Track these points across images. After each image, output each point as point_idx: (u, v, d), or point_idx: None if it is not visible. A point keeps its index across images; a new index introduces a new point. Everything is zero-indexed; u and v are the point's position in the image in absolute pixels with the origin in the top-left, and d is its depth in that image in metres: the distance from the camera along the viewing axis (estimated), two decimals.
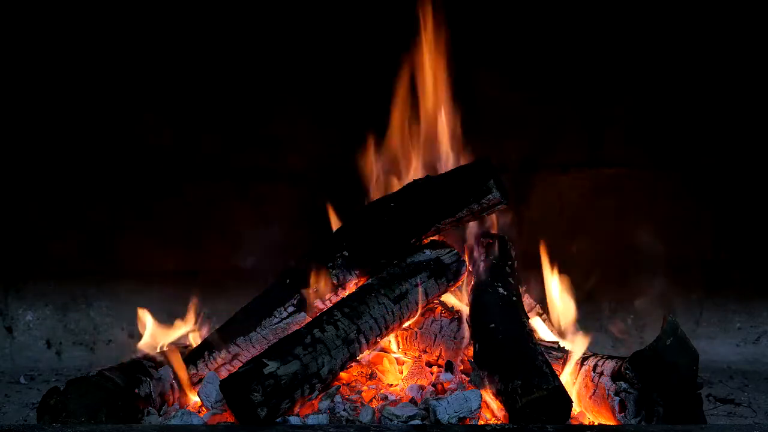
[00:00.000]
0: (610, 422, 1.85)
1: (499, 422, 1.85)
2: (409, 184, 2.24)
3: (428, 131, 2.41)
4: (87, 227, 2.97)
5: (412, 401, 1.93)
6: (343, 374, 2.03)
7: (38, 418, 1.82)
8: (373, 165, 2.43)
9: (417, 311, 2.12)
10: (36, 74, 2.90)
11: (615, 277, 2.90)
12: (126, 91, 2.91)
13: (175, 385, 2.07)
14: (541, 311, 2.37)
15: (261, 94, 2.94)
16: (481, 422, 1.84)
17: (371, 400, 1.97)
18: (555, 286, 2.28)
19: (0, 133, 2.92)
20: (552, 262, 2.31)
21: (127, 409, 1.88)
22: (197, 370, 2.12)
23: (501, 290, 2.12)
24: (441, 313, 2.20)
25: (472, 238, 2.35)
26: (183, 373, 2.08)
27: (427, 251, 2.15)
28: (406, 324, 2.15)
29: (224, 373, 2.04)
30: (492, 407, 1.89)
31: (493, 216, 2.30)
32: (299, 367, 1.82)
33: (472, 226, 2.34)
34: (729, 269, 3.04)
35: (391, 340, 2.22)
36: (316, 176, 2.95)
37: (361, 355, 2.03)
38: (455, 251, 2.18)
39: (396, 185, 2.33)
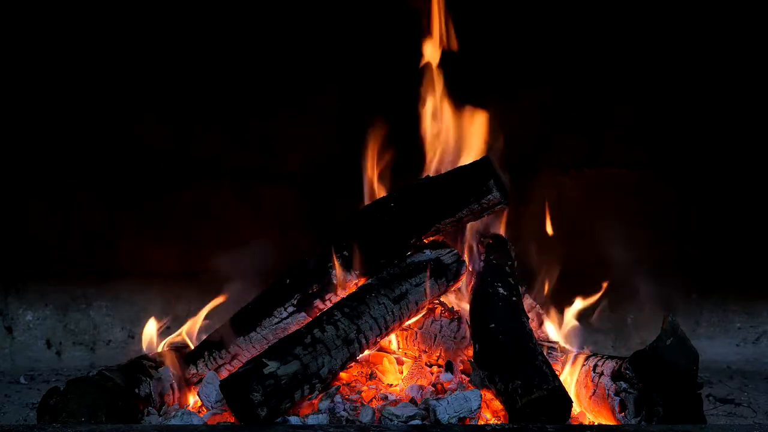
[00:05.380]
0: (610, 422, 1.85)
1: (499, 422, 1.85)
2: (409, 184, 2.23)
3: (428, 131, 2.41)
4: (87, 227, 2.97)
5: (412, 401, 1.93)
6: (343, 374, 2.03)
7: (38, 418, 1.82)
8: (373, 165, 2.43)
9: (417, 311, 2.12)
10: (37, 75, 2.89)
11: (615, 276, 2.90)
12: (126, 92, 2.91)
13: (175, 385, 2.07)
14: (541, 311, 2.37)
15: (261, 95, 2.94)
16: (481, 422, 1.84)
17: (371, 400, 1.97)
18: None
19: (0, 134, 2.92)
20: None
21: (127, 409, 1.88)
22: (197, 370, 2.12)
23: (501, 290, 2.12)
24: (441, 313, 2.20)
25: (472, 238, 2.35)
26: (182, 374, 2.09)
27: (427, 251, 2.15)
28: (406, 324, 2.15)
29: (224, 373, 2.04)
30: (492, 407, 1.89)
31: (493, 216, 2.30)
32: (299, 367, 1.82)
33: (472, 226, 2.34)
34: (729, 269, 3.04)
35: (391, 340, 2.22)
36: (316, 176, 2.95)
37: (361, 355, 2.02)
38: (455, 251, 2.18)
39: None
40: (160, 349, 2.17)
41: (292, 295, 2.14)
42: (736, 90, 2.95)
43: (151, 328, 2.21)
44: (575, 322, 2.22)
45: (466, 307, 2.18)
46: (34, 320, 3.00)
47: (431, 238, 2.21)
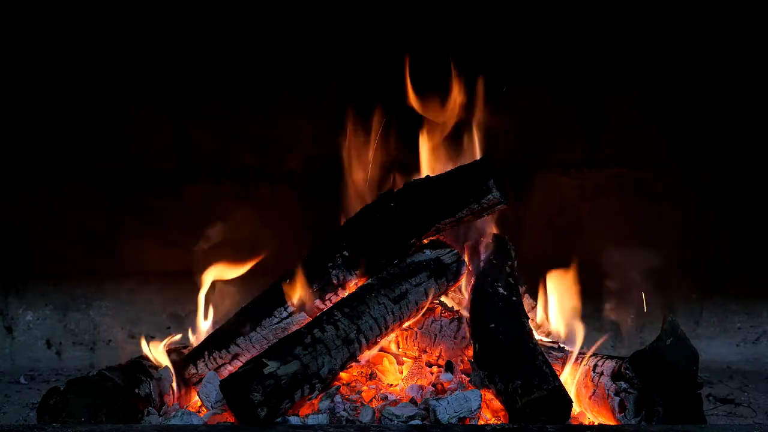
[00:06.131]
0: (610, 422, 1.85)
1: (499, 422, 1.85)
2: (409, 184, 2.24)
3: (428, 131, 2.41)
4: (87, 227, 2.96)
5: (412, 401, 1.93)
6: (343, 374, 2.03)
7: (38, 418, 1.82)
8: (373, 165, 2.44)
9: (417, 311, 2.12)
10: (35, 74, 2.89)
11: (615, 276, 2.90)
12: (125, 91, 2.91)
13: (175, 385, 2.07)
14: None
15: (261, 94, 2.94)
16: (481, 422, 1.84)
17: (371, 400, 1.97)
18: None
19: (0, 134, 2.92)
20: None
21: (127, 409, 1.88)
22: (197, 370, 2.12)
23: (501, 290, 2.12)
24: (441, 313, 2.20)
25: (472, 238, 2.35)
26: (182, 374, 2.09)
27: (427, 251, 2.15)
28: (406, 324, 2.15)
29: (224, 373, 2.04)
30: (492, 407, 1.89)
31: (493, 216, 2.30)
32: (299, 367, 1.82)
33: (472, 226, 2.34)
34: (729, 269, 3.04)
35: (391, 340, 2.22)
36: (316, 176, 2.94)
37: (361, 355, 2.03)
38: (455, 251, 2.18)
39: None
40: (160, 350, 2.17)
41: None
42: (736, 90, 2.95)
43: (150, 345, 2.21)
44: (575, 322, 2.21)
45: (466, 307, 2.18)
46: (34, 320, 3.00)
47: (431, 238, 2.21)
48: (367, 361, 2.14)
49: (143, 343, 2.17)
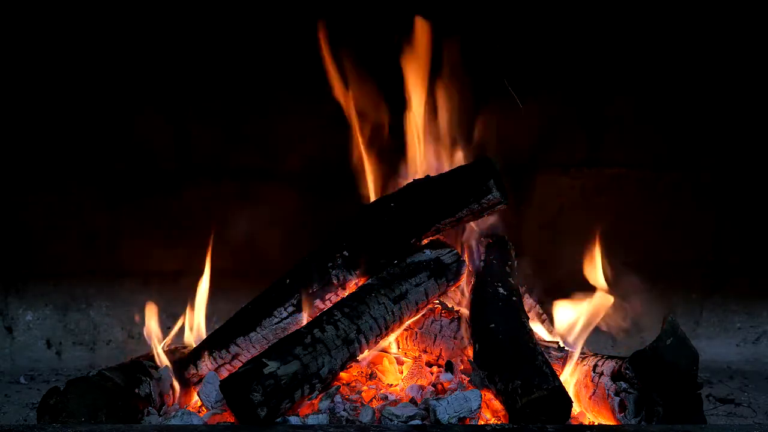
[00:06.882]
0: (610, 422, 1.86)
1: (499, 422, 1.85)
2: (409, 184, 2.24)
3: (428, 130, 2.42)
4: (87, 227, 2.96)
5: (412, 401, 1.93)
6: (343, 374, 2.03)
7: (38, 418, 1.82)
8: (373, 165, 2.44)
9: (417, 311, 2.12)
10: (35, 74, 2.89)
11: (615, 276, 2.90)
12: (125, 91, 2.91)
13: (175, 385, 2.07)
14: (541, 311, 2.38)
15: (261, 94, 2.94)
16: (481, 422, 1.84)
17: (371, 400, 1.97)
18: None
19: (1, 134, 2.93)
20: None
21: (127, 409, 1.88)
22: (197, 370, 2.12)
23: (501, 290, 2.12)
24: (441, 313, 2.20)
25: (472, 238, 2.35)
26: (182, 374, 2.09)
27: (427, 251, 2.15)
28: (407, 324, 2.15)
29: (224, 373, 2.04)
30: (492, 407, 1.89)
31: (493, 216, 2.31)
32: (299, 367, 1.82)
33: (472, 226, 2.34)
34: (729, 269, 3.04)
35: (391, 340, 2.22)
36: (316, 176, 2.95)
37: (361, 355, 2.03)
38: (455, 251, 2.18)
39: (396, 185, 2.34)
40: (160, 350, 2.17)
41: (292, 295, 2.14)
42: (736, 91, 2.95)
43: (154, 328, 2.21)
44: (575, 323, 2.21)
45: (466, 307, 2.18)
46: (34, 320, 3.00)
47: (431, 238, 2.21)
48: (367, 361, 2.14)
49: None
